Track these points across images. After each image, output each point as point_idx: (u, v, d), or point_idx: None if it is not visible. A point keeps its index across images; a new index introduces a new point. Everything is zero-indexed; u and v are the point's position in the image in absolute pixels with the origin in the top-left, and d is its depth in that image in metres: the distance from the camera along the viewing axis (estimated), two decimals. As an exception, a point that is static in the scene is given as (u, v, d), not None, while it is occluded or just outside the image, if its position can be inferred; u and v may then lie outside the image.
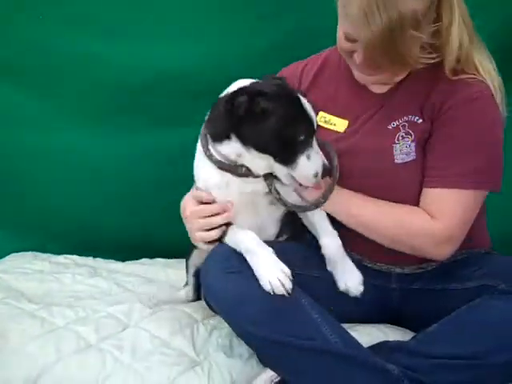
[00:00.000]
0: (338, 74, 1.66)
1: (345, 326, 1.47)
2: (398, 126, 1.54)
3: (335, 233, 1.54)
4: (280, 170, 1.44)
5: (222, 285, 1.40)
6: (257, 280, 1.37)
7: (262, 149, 1.41)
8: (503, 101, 1.53)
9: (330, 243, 1.53)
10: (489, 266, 1.52)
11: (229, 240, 1.47)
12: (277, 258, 1.38)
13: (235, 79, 1.51)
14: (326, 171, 1.45)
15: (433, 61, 1.47)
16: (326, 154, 1.49)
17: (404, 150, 1.52)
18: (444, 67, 1.50)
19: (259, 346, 1.41)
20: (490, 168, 1.50)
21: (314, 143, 1.45)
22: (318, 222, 1.55)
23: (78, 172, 2.31)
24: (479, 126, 1.48)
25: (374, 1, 1.34)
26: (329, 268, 1.55)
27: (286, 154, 1.42)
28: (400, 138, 1.53)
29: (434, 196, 1.50)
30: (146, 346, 1.56)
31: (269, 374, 1.43)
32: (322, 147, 1.48)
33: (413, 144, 1.52)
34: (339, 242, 1.54)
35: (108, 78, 2.19)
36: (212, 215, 1.50)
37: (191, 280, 1.85)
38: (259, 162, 1.44)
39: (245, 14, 2.10)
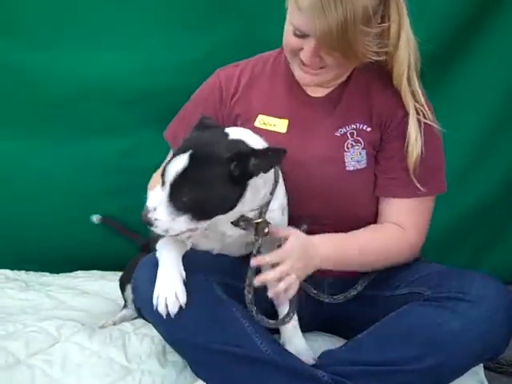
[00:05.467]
0: (275, 74, 1.66)
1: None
2: (345, 133, 1.57)
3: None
4: None
5: (151, 291, 1.37)
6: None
7: None
8: None
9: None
10: (417, 274, 1.55)
11: (158, 248, 1.45)
12: (181, 282, 1.35)
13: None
14: (144, 215, 1.31)
15: (379, 58, 1.49)
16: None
17: (355, 158, 1.56)
18: (390, 77, 1.54)
19: (190, 352, 1.39)
20: (441, 173, 1.61)
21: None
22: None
23: (10, 182, 2.26)
24: (429, 136, 1.54)
25: None
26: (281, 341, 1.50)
27: None
28: (350, 145, 1.56)
29: (399, 206, 1.56)
30: (77, 359, 1.53)
31: (199, 385, 1.42)
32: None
33: (364, 151, 1.56)
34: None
35: (40, 87, 2.16)
36: None
37: (130, 299, 1.79)
38: None
39: (178, 23, 2.13)
